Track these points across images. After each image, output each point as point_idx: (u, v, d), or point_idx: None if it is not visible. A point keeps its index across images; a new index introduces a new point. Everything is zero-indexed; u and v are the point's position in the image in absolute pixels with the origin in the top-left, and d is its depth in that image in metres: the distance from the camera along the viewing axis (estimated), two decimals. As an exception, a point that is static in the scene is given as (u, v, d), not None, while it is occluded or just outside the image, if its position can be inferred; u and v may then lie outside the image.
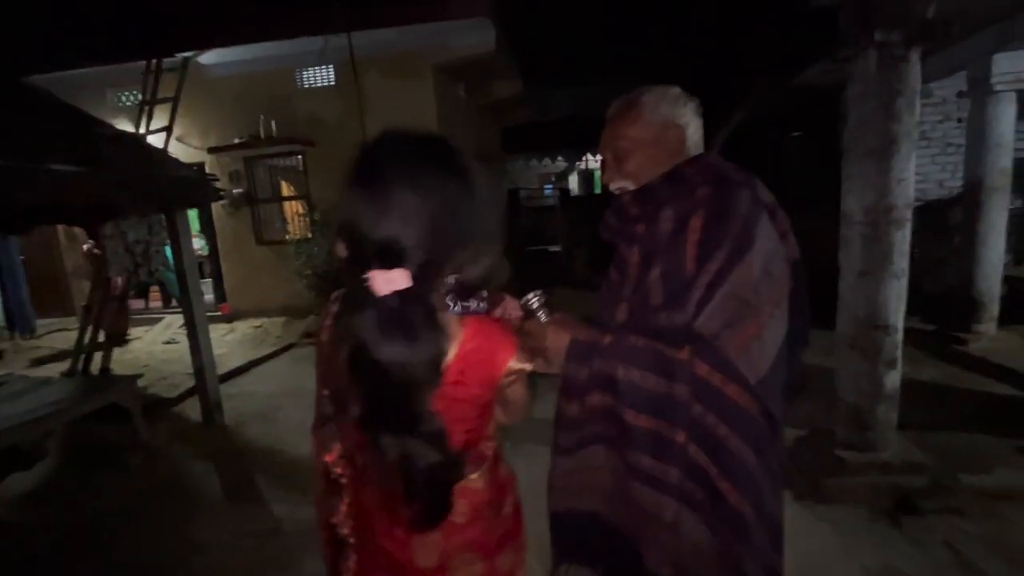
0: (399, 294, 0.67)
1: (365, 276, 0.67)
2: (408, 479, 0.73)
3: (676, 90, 1.01)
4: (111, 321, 5.05)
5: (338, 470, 0.89)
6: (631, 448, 0.89)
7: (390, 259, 0.67)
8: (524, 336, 0.94)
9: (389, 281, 0.66)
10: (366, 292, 0.67)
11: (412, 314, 0.68)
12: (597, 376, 0.90)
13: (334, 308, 0.86)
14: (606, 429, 0.93)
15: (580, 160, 15.24)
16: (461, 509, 0.86)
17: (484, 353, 0.80)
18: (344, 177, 0.74)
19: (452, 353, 0.78)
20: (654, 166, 0.99)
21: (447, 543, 0.86)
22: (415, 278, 0.68)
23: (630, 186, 1.03)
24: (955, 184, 5.16)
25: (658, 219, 0.96)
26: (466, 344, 0.79)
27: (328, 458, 0.92)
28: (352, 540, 0.91)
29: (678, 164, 0.97)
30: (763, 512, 0.85)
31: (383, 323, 0.67)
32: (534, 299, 0.99)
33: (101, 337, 4.33)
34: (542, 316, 0.99)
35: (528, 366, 0.87)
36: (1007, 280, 4.24)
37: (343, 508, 0.91)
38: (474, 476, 0.89)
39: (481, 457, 0.90)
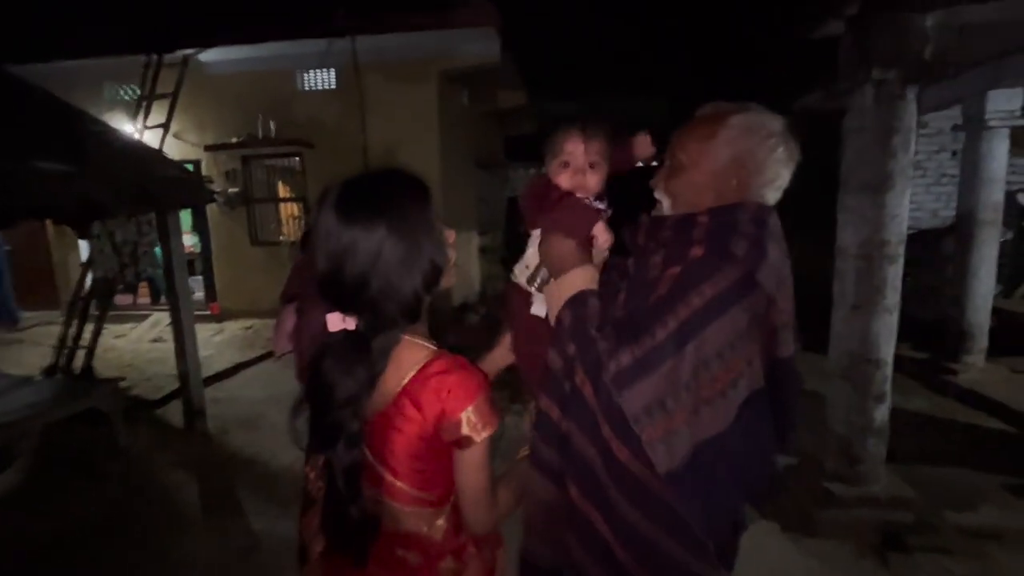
0: (345, 334, 0.78)
1: (325, 311, 0.78)
2: (329, 504, 0.81)
3: (776, 125, 0.84)
4: None
5: (317, 484, 0.88)
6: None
7: (345, 308, 0.78)
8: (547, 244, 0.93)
9: (339, 323, 0.78)
10: (324, 324, 0.78)
11: (348, 352, 0.77)
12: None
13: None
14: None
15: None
16: (412, 561, 0.84)
17: (440, 390, 0.77)
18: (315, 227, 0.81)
19: (406, 379, 0.79)
20: (698, 197, 0.86)
21: None
22: (363, 323, 0.78)
23: (666, 203, 0.93)
24: (948, 214, 5.22)
25: (647, 264, 0.89)
26: (423, 374, 0.78)
27: (309, 470, 0.91)
28: (317, 558, 0.89)
29: (707, 210, 0.84)
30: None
31: (327, 354, 0.78)
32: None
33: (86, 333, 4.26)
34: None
35: (486, 437, 0.79)
36: (996, 312, 4.27)
37: (314, 524, 0.89)
38: (425, 528, 0.84)
39: (433, 504, 0.85)
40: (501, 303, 1.07)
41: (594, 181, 0.99)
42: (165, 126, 5.41)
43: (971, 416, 3.49)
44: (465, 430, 0.77)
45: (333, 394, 0.76)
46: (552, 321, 0.90)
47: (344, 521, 0.79)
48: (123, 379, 3.89)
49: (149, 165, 3.15)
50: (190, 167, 6.36)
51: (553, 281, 0.92)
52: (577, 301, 0.85)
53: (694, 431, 0.74)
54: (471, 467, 0.80)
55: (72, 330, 4.24)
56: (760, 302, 0.77)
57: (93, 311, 4.35)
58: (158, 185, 3.01)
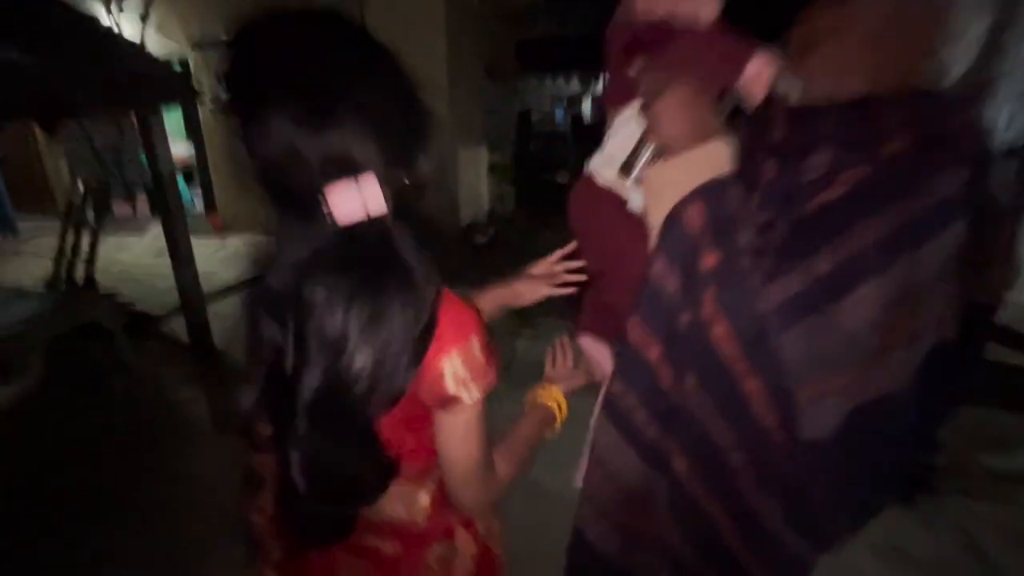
0: (371, 221, 0.48)
1: (311, 201, 0.49)
2: (315, 490, 0.57)
3: None
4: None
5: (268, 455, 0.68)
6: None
7: (348, 165, 0.49)
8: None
9: (354, 197, 0.48)
10: (309, 223, 0.49)
11: (400, 252, 0.49)
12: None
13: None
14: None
15: (595, 83, 14.18)
16: (388, 551, 0.66)
17: None
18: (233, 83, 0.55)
19: None
20: (847, 74, 0.57)
21: None
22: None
23: (796, 91, 0.62)
24: (1009, 136, 4.72)
25: (801, 166, 0.59)
26: None
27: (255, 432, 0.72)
28: (272, 546, 0.73)
29: (906, 91, 0.56)
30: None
31: (349, 271, 0.49)
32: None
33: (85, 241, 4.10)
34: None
35: (478, 396, 0.56)
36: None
37: (263, 504, 0.72)
38: (403, 511, 0.65)
39: (412, 478, 0.65)
40: (571, 211, 0.77)
41: (710, 6, 0.63)
42: (143, 17, 4.88)
43: (1009, 356, 3.31)
44: (451, 387, 0.54)
45: (352, 364, 0.50)
46: (657, 222, 0.61)
47: (312, 511, 0.60)
48: (118, 294, 3.77)
49: (122, 58, 2.78)
50: (178, 68, 5.86)
51: (666, 162, 0.61)
52: (711, 192, 0.58)
53: (858, 390, 0.54)
54: (459, 435, 0.57)
55: (70, 241, 4.08)
56: (979, 222, 0.53)
57: (92, 222, 4.16)
58: (132, 80, 2.67)
